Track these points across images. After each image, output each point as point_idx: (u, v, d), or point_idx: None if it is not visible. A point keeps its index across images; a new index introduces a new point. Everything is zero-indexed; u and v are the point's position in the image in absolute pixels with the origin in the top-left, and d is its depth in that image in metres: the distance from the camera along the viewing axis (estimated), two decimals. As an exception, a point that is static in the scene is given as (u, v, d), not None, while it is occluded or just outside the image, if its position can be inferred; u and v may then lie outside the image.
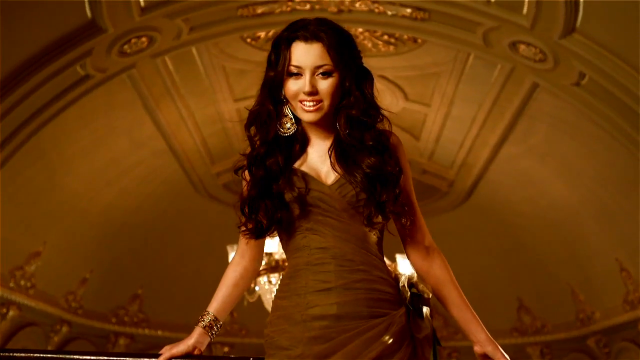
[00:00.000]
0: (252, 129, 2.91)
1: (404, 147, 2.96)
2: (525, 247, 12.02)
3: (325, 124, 2.88)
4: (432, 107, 10.09)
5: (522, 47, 8.24)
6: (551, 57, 8.16)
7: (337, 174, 2.82)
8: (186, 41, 8.69)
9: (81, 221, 10.85)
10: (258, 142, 2.88)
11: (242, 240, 2.98)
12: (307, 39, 2.81)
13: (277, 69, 2.83)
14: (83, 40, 7.93)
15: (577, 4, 7.29)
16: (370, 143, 2.81)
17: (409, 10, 8.27)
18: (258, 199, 2.82)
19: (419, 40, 8.92)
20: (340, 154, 2.83)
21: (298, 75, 2.81)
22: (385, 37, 8.88)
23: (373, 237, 2.85)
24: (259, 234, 2.86)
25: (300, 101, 2.82)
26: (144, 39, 8.39)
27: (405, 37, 8.87)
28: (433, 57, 9.17)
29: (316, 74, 2.81)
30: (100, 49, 8.22)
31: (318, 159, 2.89)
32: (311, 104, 2.80)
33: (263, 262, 6.06)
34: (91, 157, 10.10)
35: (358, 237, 2.81)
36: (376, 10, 8.32)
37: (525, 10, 7.64)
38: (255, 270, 3.07)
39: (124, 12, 7.81)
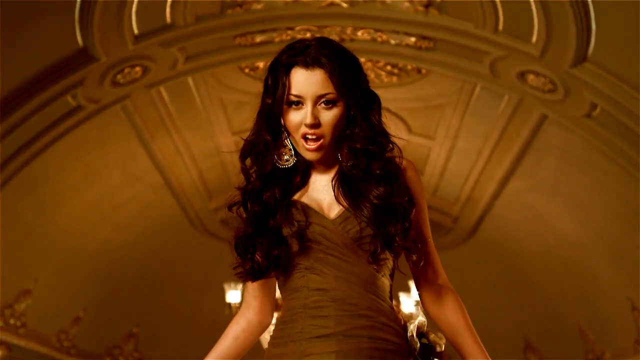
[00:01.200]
0: (248, 161, 2.65)
1: (418, 175, 2.71)
2: (532, 285, 11.84)
3: (328, 153, 2.61)
4: (436, 140, 9.97)
5: (530, 77, 8.09)
6: (561, 88, 8.00)
7: (341, 207, 2.56)
8: (182, 71, 8.54)
9: (74, 258, 10.67)
10: (254, 175, 2.62)
11: (247, 290, 2.73)
12: (307, 65, 2.54)
13: (276, 97, 2.57)
14: (74, 69, 7.78)
15: (589, 31, 7.10)
16: (378, 172, 2.55)
17: (413, 39, 8.14)
18: (254, 237, 2.55)
19: (423, 71, 8.81)
20: (345, 185, 2.58)
21: (299, 104, 2.55)
22: (389, 67, 8.78)
23: (381, 278, 2.57)
24: (256, 276, 2.58)
25: (303, 136, 2.55)
26: (137, 68, 8.24)
27: (409, 67, 8.77)
28: (438, 88, 9.04)
29: (318, 103, 2.54)
30: (93, 79, 8.06)
31: (321, 190, 2.63)
32: (313, 144, 2.54)
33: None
34: (84, 191, 9.95)
35: (363, 278, 2.53)
36: (379, 39, 8.21)
37: (534, 38, 7.48)
38: (261, 323, 2.78)
39: (116, 39, 7.65)
